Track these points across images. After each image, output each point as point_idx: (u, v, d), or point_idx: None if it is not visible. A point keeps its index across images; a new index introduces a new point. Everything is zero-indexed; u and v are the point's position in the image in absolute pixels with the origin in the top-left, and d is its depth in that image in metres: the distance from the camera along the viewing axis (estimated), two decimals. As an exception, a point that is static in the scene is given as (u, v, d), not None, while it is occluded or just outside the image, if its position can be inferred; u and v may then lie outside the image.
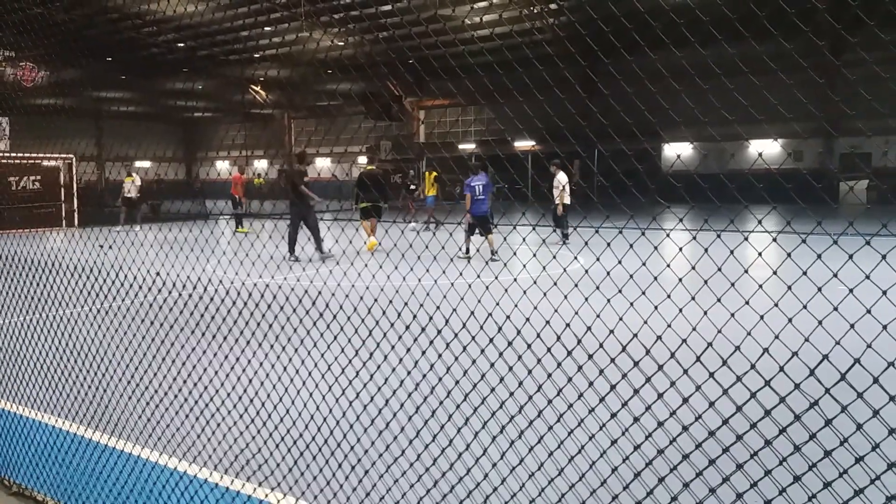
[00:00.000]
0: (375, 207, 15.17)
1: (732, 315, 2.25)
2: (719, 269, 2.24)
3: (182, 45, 32.56)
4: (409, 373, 3.09)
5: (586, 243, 2.72)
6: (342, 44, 21.25)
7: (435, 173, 21.22)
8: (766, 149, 24.67)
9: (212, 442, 3.67)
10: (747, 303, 2.23)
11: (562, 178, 15.25)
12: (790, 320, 2.11)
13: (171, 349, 3.91)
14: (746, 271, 2.20)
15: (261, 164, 48.57)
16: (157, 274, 3.80)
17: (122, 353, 4.62)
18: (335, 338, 3.18)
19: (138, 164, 34.40)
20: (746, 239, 2.29)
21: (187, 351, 3.91)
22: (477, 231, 13.68)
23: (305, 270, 10.61)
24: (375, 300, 3.22)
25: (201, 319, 3.84)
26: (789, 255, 2.10)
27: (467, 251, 13.45)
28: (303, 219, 13.53)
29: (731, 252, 2.25)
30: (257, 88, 41.36)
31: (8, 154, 22.10)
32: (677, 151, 28.35)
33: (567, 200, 15.24)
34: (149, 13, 24.34)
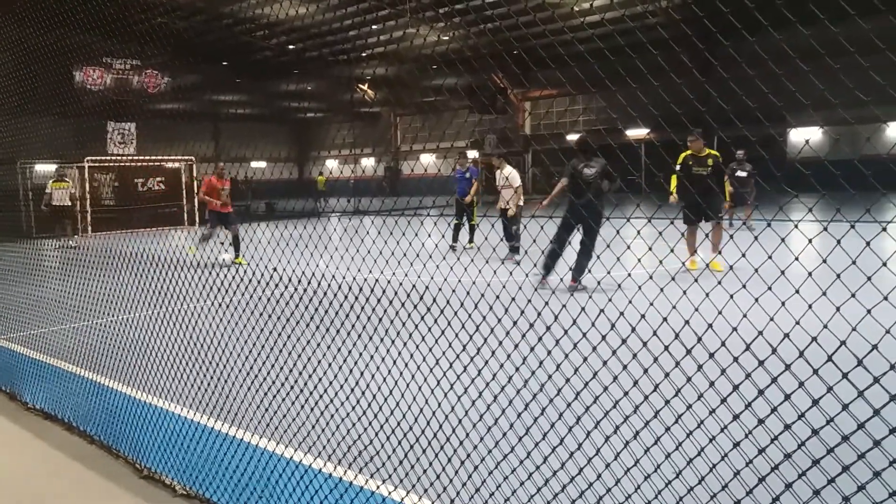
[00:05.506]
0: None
1: (869, 311, 2.08)
2: (853, 262, 2.08)
3: (292, 47, 33.75)
4: (517, 369, 3.05)
5: (707, 235, 2.58)
6: (447, 38, 21.38)
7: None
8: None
9: (325, 433, 3.76)
10: (885, 298, 2.06)
11: (511, 174, 12.43)
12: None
13: (287, 342, 4.03)
14: (885, 264, 2.02)
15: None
16: (274, 269, 3.92)
17: (240, 346, 4.81)
18: (442, 332, 3.18)
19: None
20: (885, 229, 2.11)
21: (302, 344, 4.02)
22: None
23: (413, 266, 10.71)
24: (482, 295, 3.19)
25: (315, 313, 3.94)
26: (936, 246, 1.91)
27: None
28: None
29: (868, 244, 2.08)
30: (365, 87, 42.28)
31: (135, 157, 23.56)
32: (805, 136, 26.60)
33: (521, 202, 12.56)
34: (261, 17, 25.37)
